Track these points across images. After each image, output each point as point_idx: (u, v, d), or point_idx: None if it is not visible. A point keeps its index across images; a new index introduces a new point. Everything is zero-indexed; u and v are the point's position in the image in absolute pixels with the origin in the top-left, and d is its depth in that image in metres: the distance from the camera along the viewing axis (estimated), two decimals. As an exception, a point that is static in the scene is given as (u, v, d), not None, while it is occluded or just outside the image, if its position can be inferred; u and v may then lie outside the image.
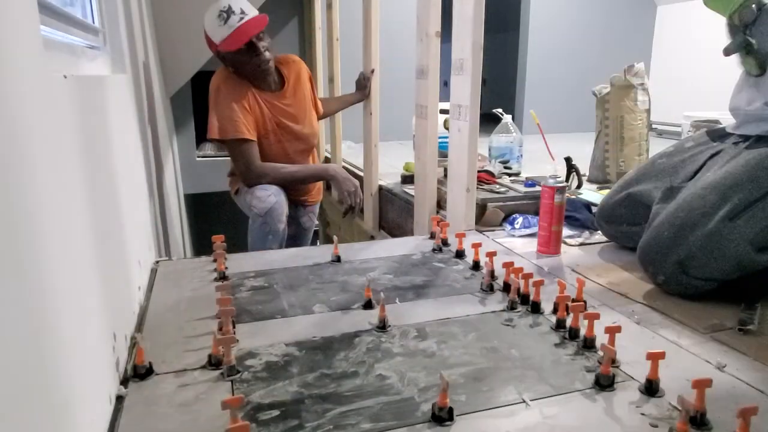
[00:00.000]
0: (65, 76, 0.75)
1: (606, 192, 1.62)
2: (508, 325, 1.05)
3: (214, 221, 4.08)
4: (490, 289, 1.21)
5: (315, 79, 2.68)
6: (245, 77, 1.94)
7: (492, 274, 1.22)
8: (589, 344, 0.94)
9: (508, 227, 1.70)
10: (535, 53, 4.19)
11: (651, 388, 0.81)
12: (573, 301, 1.05)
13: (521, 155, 2.25)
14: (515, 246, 1.56)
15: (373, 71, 2.37)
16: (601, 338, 0.91)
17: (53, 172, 0.65)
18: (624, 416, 0.77)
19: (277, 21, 3.79)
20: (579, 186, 2.03)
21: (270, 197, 1.88)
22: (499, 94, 5.02)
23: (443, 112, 1.97)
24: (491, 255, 1.25)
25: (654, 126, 3.58)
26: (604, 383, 0.83)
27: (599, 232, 1.57)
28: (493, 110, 2.29)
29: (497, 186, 1.88)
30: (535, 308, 1.09)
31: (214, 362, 0.90)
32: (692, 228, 1.13)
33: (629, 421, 0.76)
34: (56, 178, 0.66)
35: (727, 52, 1.26)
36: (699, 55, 3.64)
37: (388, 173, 2.51)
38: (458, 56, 1.60)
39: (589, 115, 2.64)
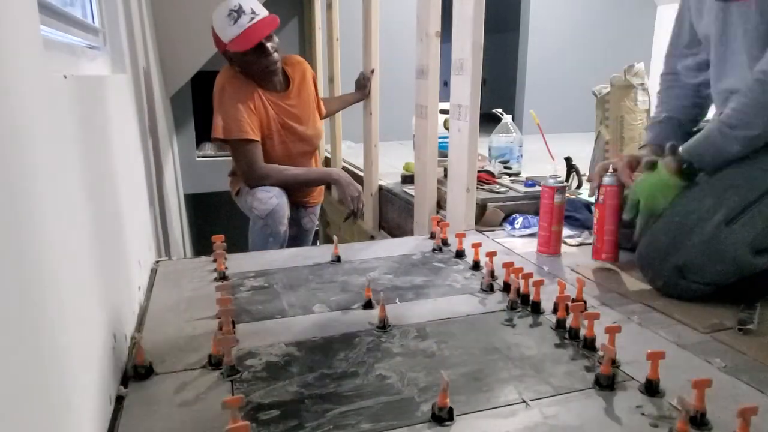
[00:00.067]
0: (65, 76, 0.75)
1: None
2: (508, 325, 1.05)
3: (214, 221, 4.08)
4: (490, 289, 1.21)
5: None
6: (251, 77, 1.93)
7: (492, 274, 1.22)
8: (589, 344, 0.94)
9: (508, 227, 1.70)
10: (535, 53, 4.19)
11: (651, 388, 0.81)
12: (573, 301, 1.05)
13: (521, 155, 2.25)
14: (515, 246, 1.56)
15: (373, 71, 2.37)
16: (601, 338, 0.90)
17: (53, 171, 0.65)
18: (624, 416, 0.77)
19: (277, 21, 3.79)
20: (579, 186, 2.03)
21: (272, 199, 1.87)
22: (499, 94, 5.02)
23: (443, 112, 1.97)
24: (491, 255, 1.25)
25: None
26: (604, 383, 0.83)
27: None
28: (493, 110, 2.29)
29: (497, 186, 1.88)
30: (535, 308, 1.09)
31: (214, 362, 0.90)
32: (689, 233, 1.13)
33: (629, 421, 0.76)
34: (56, 178, 0.66)
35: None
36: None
37: (388, 173, 2.51)
38: (458, 56, 1.60)
39: (589, 115, 2.64)
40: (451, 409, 0.76)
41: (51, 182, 0.63)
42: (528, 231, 1.64)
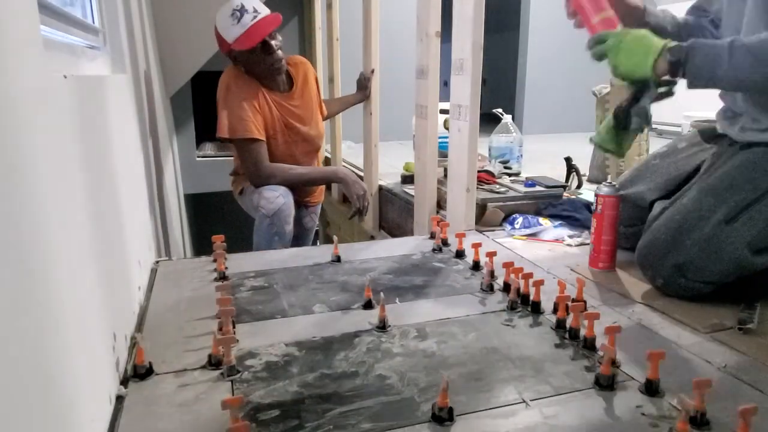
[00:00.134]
0: (65, 76, 0.75)
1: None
2: (508, 325, 1.05)
3: (214, 221, 4.08)
4: (490, 289, 1.21)
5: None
6: (255, 77, 1.94)
7: (492, 274, 1.22)
8: (589, 344, 0.94)
9: (508, 227, 1.70)
10: (535, 53, 4.19)
11: (651, 388, 0.81)
12: (573, 301, 1.05)
13: (521, 155, 2.25)
14: (515, 246, 1.56)
15: (373, 71, 2.37)
16: (601, 338, 0.90)
17: (53, 171, 0.65)
18: (624, 416, 0.77)
19: (277, 21, 3.79)
20: (579, 186, 2.03)
21: (278, 198, 1.87)
22: (499, 94, 5.02)
23: (443, 112, 1.97)
24: (491, 255, 1.25)
25: (654, 126, 3.58)
26: (604, 383, 0.83)
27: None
28: (493, 110, 2.29)
29: (497, 186, 1.88)
30: (535, 308, 1.09)
31: (214, 362, 0.90)
32: (689, 231, 1.13)
33: (629, 421, 0.76)
34: (56, 178, 0.66)
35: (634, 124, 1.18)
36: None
37: (388, 173, 2.51)
38: (458, 56, 1.60)
39: (589, 115, 2.64)
40: (451, 409, 0.76)
41: (51, 182, 0.63)
42: (528, 231, 1.65)
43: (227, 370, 0.88)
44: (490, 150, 2.24)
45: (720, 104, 1.35)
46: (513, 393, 0.83)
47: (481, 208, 1.75)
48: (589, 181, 2.28)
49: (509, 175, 2.03)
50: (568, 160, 2.05)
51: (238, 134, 1.88)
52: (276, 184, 1.91)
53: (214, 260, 1.38)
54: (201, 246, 3.58)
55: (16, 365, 0.47)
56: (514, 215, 1.73)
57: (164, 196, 2.09)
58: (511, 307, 1.11)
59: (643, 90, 1.15)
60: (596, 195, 1.32)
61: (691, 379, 0.73)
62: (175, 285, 1.28)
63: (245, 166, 1.96)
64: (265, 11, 1.86)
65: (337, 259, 1.42)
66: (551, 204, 1.76)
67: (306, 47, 3.88)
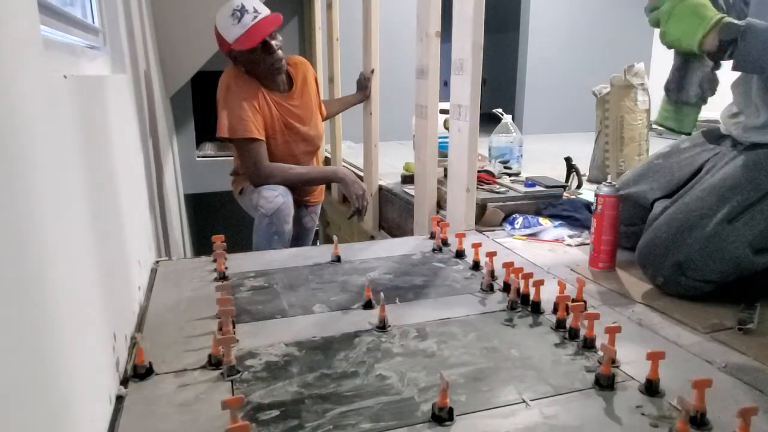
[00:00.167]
0: (65, 76, 0.75)
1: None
2: (508, 325, 1.05)
3: (214, 221, 4.09)
4: (490, 289, 1.21)
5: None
6: (255, 76, 1.94)
7: (492, 274, 1.22)
8: (589, 344, 0.94)
9: (508, 227, 1.70)
10: (535, 53, 4.19)
11: (651, 388, 0.81)
12: (573, 301, 1.05)
13: (521, 155, 2.25)
14: (515, 246, 1.56)
15: (373, 71, 2.37)
16: (601, 338, 0.90)
17: (53, 171, 0.65)
18: (624, 416, 0.77)
19: (277, 21, 3.79)
20: (579, 186, 2.03)
21: (277, 198, 1.87)
22: (499, 94, 5.02)
23: (443, 112, 1.97)
24: (491, 255, 1.25)
25: (654, 126, 3.58)
26: (604, 383, 0.83)
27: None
28: (493, 110, 2.30)
29: (497, 186, 1.88)
30: (535, 308, 1.09)
31: (214, 362, 0.90)
32: (691, 230, 1.13)
33: (629, 421, 0.76)
34: (56, 178, 0.66)
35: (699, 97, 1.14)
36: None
37: (388, 173, 2.51)
38: (458, 56, 1.60)
39: (589, 115, 2.64)
40: (451, 409, 0.76)
41: (51, 182, 0.63)
42: (528, 231, 1.65)
43: (227, 370, 0.88)
44: (490, 150, 2.25)
45: (723, 104, 1.35)
46: (513, 393, 0.83)
47: (481, 208, 1.75)
48: (589, 181, 2.28)
49: (509, 175, 2.04)
50: (568, 160, 2.05)
51: (237, 134, 1.88)
52: (275, 184, 1.91)
53: (214, 260, 1.38)
54: (201, 246, 3.58)
55: (15, 365, 0.47)
56: (514, 215, 1.73)
57: (164, 196, 2.09)
58: (511, 307, 1.11)
59: (690, 61, 1.11)
60: (596, 195, 1.32)
61: (691, 379, 0.73)
62: (175, 285, 1.28)
63: (245, 166, 1.97)
64: (265, 11, 1.87)
65: (337, 259, 1.42)
66: (551, 204, 1.76)
67: (306, 47, 3.88)
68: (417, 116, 1.86)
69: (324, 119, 2.28)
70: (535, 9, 4.13)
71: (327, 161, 3.20)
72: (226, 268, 1.33)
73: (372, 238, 2.46)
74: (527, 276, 1.12)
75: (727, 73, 1.21)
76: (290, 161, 2.02)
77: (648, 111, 2.24)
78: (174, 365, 0.91)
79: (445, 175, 1.89)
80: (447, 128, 1.88)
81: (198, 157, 3.90)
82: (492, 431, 0.74)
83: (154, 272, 1.37)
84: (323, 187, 2.38)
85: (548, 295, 1.11)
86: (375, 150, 2.41)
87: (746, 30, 1.02)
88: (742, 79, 1.25)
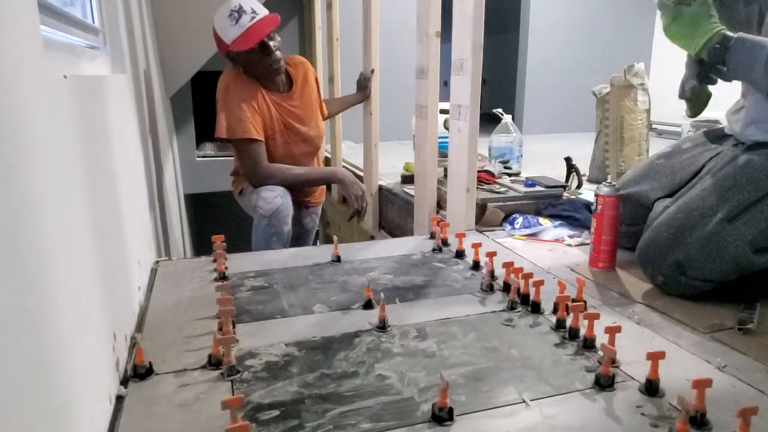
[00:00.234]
0: (65, 76, 0.75)
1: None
2: (508, 325, 1.05)
3: (214, 221, 4.08)
4: (490, 289, 1.21)
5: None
6: (254, 77, 1.94)
7: (492, 274, 1.22)
8: (589, 344, 0.94)
9: (508, 227, 1.70)
10: (535, 53, 4.19)
11: (651, 388, 0.81)
12: (573, 301, 1.05)
13: (521, 155, 2.25)
14: (515, 246, 1.56)
15: (373, 71, 2.37)
16: (601, 338, 0.90)
17: (53, 171, 0.65)
18: (624, 416, 0.77)
19: (277, 21, 3.79)
20: (579, 186, 2.03)
21: (276, 198, 1.87)
22: (499, 94, 5.02)
23: (443, 112, 1.97)
24: (491, 255, 1.25)
25: (654, 126, 3.58)
26: (604, 383, 0.83)
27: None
28: (493, 110, 2.30)
29: (497, 186, 1.88)
30: (535, 308, 1.09)
31: (214, 362, 0.90)
32: (691, 229, 1.14)
33: (629, 421, 0.76)
34: (56, 178, 0.66)
35: (690, 96, 1.24)
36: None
37: (388, 173, 2.51)
38: (458, 56, 1.60)
39: (589, 115, 2.64)
40: (451, 409, 0.76)
41: (51, 182, 0.63)
42: (528, 231, 1.65)
43: (227, 370, 0.88)
44: (490, 150, 2.25)
45: (728, 104, 1.35)
46: (513, 393, 0.83)
47: (481, 208, 1.75)
48: (589, 181, 2.28)
49: (509, 175, 2.04)
50: (568, 160, 2.05)
51: (236, 135, 1.88)
52: (275, 185, 1.91)
53: (214, 260, 1.38)
54: (201, 246, 3.58)
55: (15, 365, 0.47)
56: (514, 215, 1.73)
57: (164, 196, 2.09)
58: (511, 307, 1.11)
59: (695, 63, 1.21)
60: (596, 195, 1.32)
61: (691, 379, 0.73)
62: (175, 285, 1.28)
63: (244, 167, 1.97)
64: (263, 12, 1.86)
65: (337, 259, 1.42)
66: (551, 204, 1.76)
67: (306, 47, 3.88)
68: (417, 116, 1.86)
69: (324, 119, 2.28)
70: (535, 9, 4.14)
71: (327, 161, 3.20)
72: (226, 268, 1.33)
73: (372, 238, 2.46)
74: (527, 276, 1.13)
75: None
76: (290, 162, 2.02)
77: (648, 111, 2.24)
78: (174, 365, 0.91)
79: (445, 175, 1.89)
80: (447, 128, 1.88)
81: (198, 157, 3.90)
82: (492, 431, 0.74)
83: (154, 272, 1.37)
84: (324, 188, 2.38)
85: (548, 295, 1.11)
86: (375, 150, 2.41)
87: (736, 42, 1.11)
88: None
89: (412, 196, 2.00)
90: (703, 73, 1.20)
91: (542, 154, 2.83)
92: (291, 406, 0.79)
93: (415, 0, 1.72)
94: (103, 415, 0.74)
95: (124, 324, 0.98)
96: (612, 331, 0.88)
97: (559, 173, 2.06)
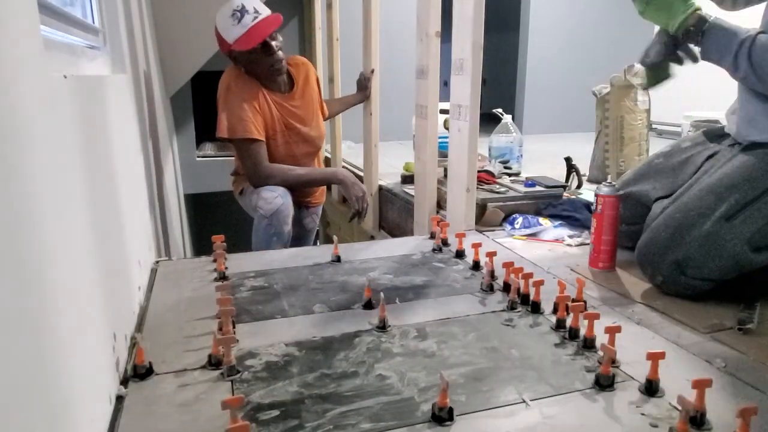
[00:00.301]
0: (65, 76, 0.75)
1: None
2: (508, 325, 1.05)
3: (214, 221, 4.08)
4: (490, 289, 1.21)
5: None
6: (256, 77, 1.94)
7: (492, 274, 1.22)
8: (589, 344, 0.94)
9: (508, 227, 1.70)
10: (535, 53, 4.19)
11: (651, 388, 0.81)
12: (573, 301, 1.05)
13: (521, 155, 2.25)
14: (515, 246, 1.56)
15: (373, 71, 2.37)
16: (601, 338, 0.90)
17: (53, 171, 0.65)
18: (624, 416, 0.77)
19: (277, 21, 3.79)
20: (579, 186, 2.03)
21: (276, 199, 1.87)
22: (499, 94, 5.02)
23: (443, 112, 1.97)
24: (491, 255, 1.25)
25: (654, 126, 3.58)
26: (604, 383, 0.83)
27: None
28: (493, 110, 2.30)
29: (497, 186, 1.88)
30: (535, 308, 1.09)
31: (214, 362, 0.90)
32: (689, 228, 1.14)
33: (629, 421, 0.76)
34: (56, 178, 0.66)
35: (652, 62, 1.27)
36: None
37: (388, 173, 2.51)
38: (458, 56, 1.60)
39: (589, 115, 2.64)
40: (451, 409, 0.76)
41: (51, 182, 0.63)
42: (528, 231, 1.65)
43: (227, 370, 0.88)
44: (490, 150, 2.25)
45: (728, 103, 1.35)
46: (513, 393, 0.83)
47: (481, 208, 1.75)
48: (589, 181, 2.28)
49: (509, 175, 2.04)
50: (568, 160, 2.05)
51: (237, 134, 1.88)
52: (275, 185, 1.91)
53: (214, 260, 1.38)
54: (201, 246, 3.58)
55: (15, 365, 0.47)
56: (514, 215, 1.73)
57: (164, 196, 2.09)
58: (511, 307, 1.11)
59: (661, 32, 1.24)
60: (596, 195, 1.32)
61: (691, 379, 0.73)
62: (175, 285, 1.28)
63: (245, 167, 1.97)
64: (265, 12, 1.86)
65: (337, 259, 1.42)
66: (551, 204, 1.76)
67: (306, 47, 3.88)
68: (417, 116, 1.86)
69: (325, 119, 2.28)
70: (535, 9, 4.13)
71: (327, 161, 3.20)
72: (226, 268, 1.33)
73: (372, 238, 2.46)
74: (527, 276, 1.13)
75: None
76: (290, 162, 2.02)
77: (648, 111, 2.24)
78: (174, 365, 0.91)
79: (445, 175, 1.89)
80: (447, 128, 1.88)
81: (198, 157, 3.90)
82: (492, 431, 0.74)
83: (154, 272, 1.37)
84: (324, 188, 2.38)
85: (548, 295, 1.11)
86: (375, 150, 2.41)
87: (708, 29, 1.15)
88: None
89: (412, 196, 2.00)
90: (672, 46, 1.23)
91: (542, 154, 2.83)
92: (291, 406, 0.79)
93: (415, 0, 1.72)
94: (103, 415, 0.75)
95: (124, 324, 0.98)
96: (612, 331, 0.88)
97: (559, 173, 2.06)
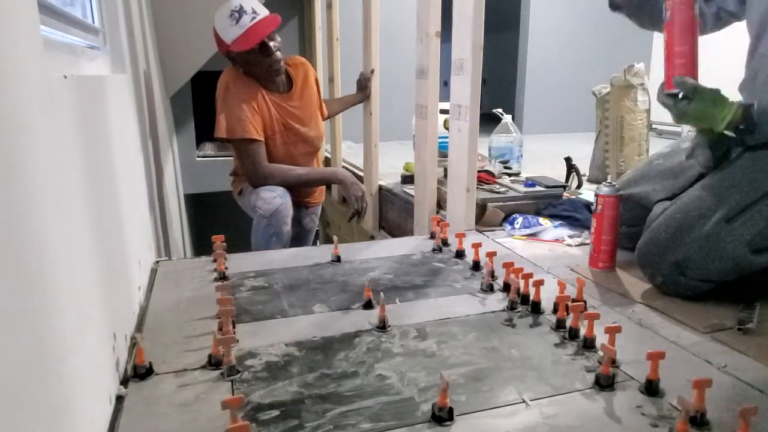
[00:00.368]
0: (65, 76, 0.75)
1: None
2: (508, 325, 1.05)
3: (214, 221, 4.08)
4: (490, 289, 1.21)
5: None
6: (254, 77, 1.94)
7: (492, 274, 1.22)
8: (589, 344, 0.94)
9: (508, 227, 1.70)
10: (535, 53, 4.19)
11: (651, 388, 0.81)
12: (573, 301, 1.05)
13: (521, 155, 2.25)
14: (515, 246, 1.56)
15: (373, 71, 2.37)
16: (601, 338, 0.91)
17: (53, 172, 0.65)
18: (624, 416, 0.77)
19: (277, 21, 3.79)
20: (579, 186, 2.03)
21: (276, 199, 1.87)
22: (499, 94, 5.02)
23: (443, 112, 1.97)
24: (491, 255, 1.25)
25: (654, 126, 3.58)
26: (604, 383, 0.83)
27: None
28: (493, 110, 2.29)
29: (497, 186, 1.88)
30: (535, 308, 1.09)
31: (214, 362, 0.90)
32: (689, 230, 1.13)
33: (629, 421, 0.76)
34: (56, 178, 0.66)
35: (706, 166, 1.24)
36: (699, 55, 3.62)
37: (388, 173, 2.51)
38: (458, 56, 1.60)
39: (589, 115, 2.64)
40: (451, 409, 0.76)
41: (51, 182, 0.63)
42: (528, 231, 1.64)
43: (227, 370, 0.88)
44: (490, 150, 2.24)
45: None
46: (513, 393, 0.83)
47: (481, 208, 1.75)
48: (589, 181, 2.28)
49: (509, 175, 2.04)
50: (568, 160, 2.05)
51: (236, 134, 1.88)
52: (274, 185, 1.91)
53: (214, 260, 1.38)
54: (201, 246, 3.58)
55: (15, 365, 0.47)
56: (514, 215, 1.73)
57: (164, 196, 2.09)
58: (511, 307, 1.11)
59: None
60: (596, 195, 1.32)
61: (691, 379, 0.73)
62: (175, 285, 1.28)
63: (244, 167, 1.97)
64: (264, 12, 1.86)
65: (337, 259, 1.42)
66: (551, 204, 1.76)
67: (306, 47, 3.88)
68: (417, 116, 1.86)
69: (324, 119, 2.28)
70: (535, 9, 4.13)
71: (327, 161, 3.20)
72: (226, 268, 1.33)
73: (372, 238, 2.46)
74: (527, 276, 1.13)
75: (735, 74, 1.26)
76: (289, 162, 2.02)
77: (648, 111, 2.24)
78: (174, 365, 0.91)
79: (445, 175, 1.89)
80: (447, 128, 1.88)
81: (198, 157, 3.90)
82: (492, 431, 0.74)
83: (154, 272, 1.37)
84: (323, 188, 2.38)
85: (548, 295, 1.11)
86: (375, 150, 2.41)
87: (760, 114, 1.10)
88: (747, 82, 1.26)
89: (412, 196, 2.00)
90: (718, 142, 1.18)
91: (542, 154, 2.83)
92: (291, 406, 0.79)
93: (415, 0, 1.72)
94: (103, 415, 0.74)
95: (124, 324, 0.98)
96: (612, 331, 0.88)
97: (559, 173, 2.06)
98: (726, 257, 1.10)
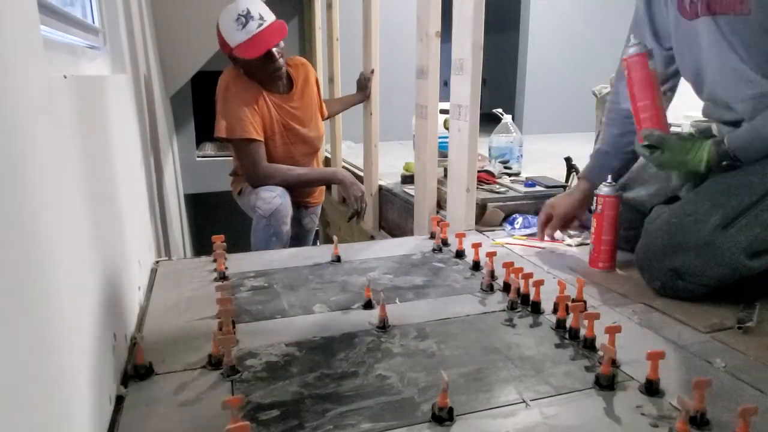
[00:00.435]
0: (65, 76, 0.75)
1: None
2: (508, 325, 1.05)
3: (214, 221, 4.08)
4: (490, 289, 1.21)
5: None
6: (255, 79, 1.93)
7: (492, 274, 1.22)
8: (589, 344, 0.94)
9: (508, 227, 1.70)
10: (535, 53, 4.19)
11: (651, 388, 0.81)
12: (573, 301, 1.05)
13: (521, 155, 2.25)
14: (515, 246, 1.56)
15: (373, 71, 2.37)
16: (601, 338, 0.90)
17: (53, 172, 0.65)
18: (624, 416, 0.77)
19: (277, 21, 3.79)
20: (579, 186, 2.03)
21: (275, 199, 1.87)
22: (499, 94, 5.02)
23: (443, 112, 1.97)
24: (491, 255, 1.25)
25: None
26: (604, 383, 0.83)
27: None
28: (493, 110, 2.29)
29: (497, 186, 1.88)
30: (535, 308, 1.09)
31: (214, 362, 0.90)
32: (685, 235, 1.12)
33: (629, 421, 0.76)
34: (56, 178, 0.66)
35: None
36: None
37: (388, 173, 2.51)
38: (458, 56, 1.60)
39: (589, 115, 2.64)
40: (451, 409, 0.76)
41: (51, 182, 0.63)
42: (528, 231, 1.65)
43: (227, 370, 0.88)
44: (490, 150, 2.24)
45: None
46: (513, 393, 0.83)
47: (481, 208, 1.75)
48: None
49: (509, 175, 2.04)
50: (568, 160, 2.05)
51: (236, 134, 1.88)
52: (274, 185, 1.91)
53: (214, 260, 1.38)
54: (201, 246, 3.58)
55: (16, 366, 0.47)
56: (514, 215, 1.73)
57: (164, 196, 2.09)
58: (511, 307, 1.11)
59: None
60: (596, 195, 1.32)
61: (691, 379, 0.73)
62: (175, 285, 1.28)
63: (243, 167, 1.97)
64: (270, 18, 1.85)
65: (337, 259, 1.42)
66: (551, 204, 1.76)
67: (306, 47, 3.88)
68: (417, 116, 1.86)
69: (324, 119, 2.28)
70: (535, 9, 4.14)
71: (327, 161, 3.20)
72: (226, 268, 1.33)
73: (372, 238, 2.46)
74: (527, 276, 1.12)
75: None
76: (289, 162, 2.02)
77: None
78: (174, 365, 0.91)
79: (445, 175, 1.89)
80: (447, 128, 1.88)
81: (198, 157, 3.90)
82: (492, 431, 0.74)
83: (154, 272, 1.37)
84: (323, 188, 2.38)
85: (548, 295, 1.11)
86: (375, 150, 2.41)
87: (735, 150, 1.13)
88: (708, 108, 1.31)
89: (412, 196, 2.00)
90: (703, 175, 1.20)
91: (542, 154, 2.83)
92: (291, 406, 0.79)
93: (415, 0, 1.72)
94: (103, 415, 0.74)
95: (124, 324, 0.98)
96: (612, 331, 0.88)
97: (559, 173, 2.05)
98: (723, 264, 1.09)
